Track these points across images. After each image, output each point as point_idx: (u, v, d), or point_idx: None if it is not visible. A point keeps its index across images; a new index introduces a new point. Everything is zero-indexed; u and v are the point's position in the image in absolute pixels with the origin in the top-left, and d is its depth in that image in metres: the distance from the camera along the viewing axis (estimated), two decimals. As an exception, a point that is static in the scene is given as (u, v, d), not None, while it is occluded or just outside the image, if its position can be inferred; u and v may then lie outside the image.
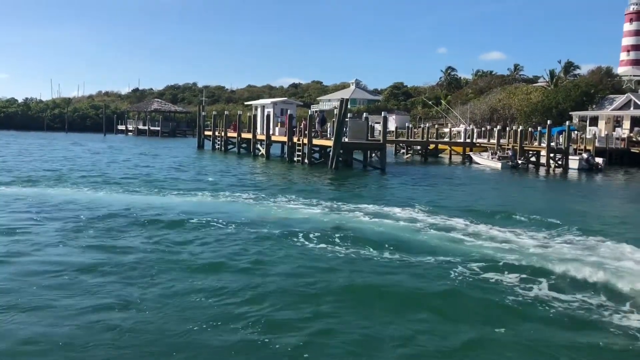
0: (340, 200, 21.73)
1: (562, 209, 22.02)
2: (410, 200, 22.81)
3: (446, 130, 61.05)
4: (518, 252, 13.80)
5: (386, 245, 14.00)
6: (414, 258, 12.87)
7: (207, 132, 58.82)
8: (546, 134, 43.54)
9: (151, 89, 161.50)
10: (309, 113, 38.36)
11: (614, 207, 25.02)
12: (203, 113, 58.96)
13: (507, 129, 56.39)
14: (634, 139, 56.31)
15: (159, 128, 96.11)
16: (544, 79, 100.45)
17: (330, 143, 36.59)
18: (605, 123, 66.28)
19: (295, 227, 16.00)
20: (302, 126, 41.70)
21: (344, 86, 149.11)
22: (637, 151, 53.57)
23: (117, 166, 35.26)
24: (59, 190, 22.75)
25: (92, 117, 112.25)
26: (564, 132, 44.69)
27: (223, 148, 53.36)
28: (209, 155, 50.11)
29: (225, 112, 54.93)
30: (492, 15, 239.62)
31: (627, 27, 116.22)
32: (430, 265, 12.40)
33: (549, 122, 45.27)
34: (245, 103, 70.75)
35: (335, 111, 34.66)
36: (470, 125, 59.93)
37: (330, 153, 35.51)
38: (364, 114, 41.38)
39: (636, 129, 61.28)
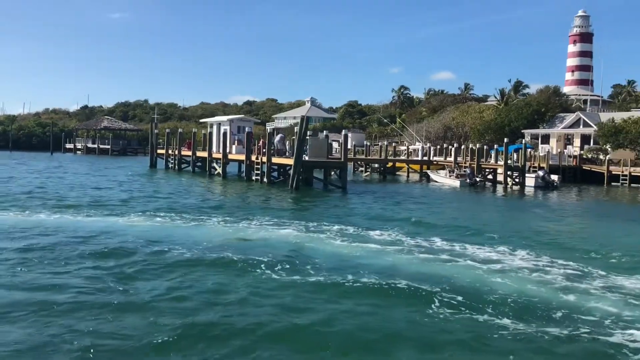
0: (305, 221, 20.95)
1: (531, 228, 21.76)
2: (376, 221, 22.21)
3: (403, 148, 61.20)
4: (505, 273, 13.26)
5: (359, 271, 13.29)
6: (391, 283, 12.13)
7: (160, 151, 57.06)
8: (503, 151, 43.86)
9: (101, 106, 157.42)
10: (268, 131, 37.39)
11: (581, 224, 24.97)
12: (155, 131, 57.21)
13: (462, 147, 56.86)
14: (584, 157, 57.58)
15: (109, 146, 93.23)
16: (495, 97, 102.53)
17: (290, 161, 35.74)
18: (557, 141, 67.74)
19: (258, 252, 15.12)
20: (260, 144, 40.78)
21: (299, 104, 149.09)
22: (589, 168, 54.75)
23: (64, 187, 33.38)
24: None
25: (39, 136, 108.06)
26: (520, 150, 45.16)
27: (177, 167, 51.77)
28: (162, 174, 48.44)
29: (179, 130, 53.46)
30: (442, 36, 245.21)
31: (571, 48, 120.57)
32: (408, 292, 11.67)
33: (505, 140, 45.72)
34: (200, 120, 69.39)
35: (296, 129, 33.84)
36: (427, 144, 60.16)
37: (290, 172, 34.63)
38: (324, 131, 40.74)
39: (586, 146, 62.80)
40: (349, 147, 58.08)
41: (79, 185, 34.64)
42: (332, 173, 41.58)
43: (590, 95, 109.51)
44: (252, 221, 20.80)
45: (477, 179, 43.78)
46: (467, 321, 10.02)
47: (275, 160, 37.37)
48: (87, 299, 10.70)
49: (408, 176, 53.11)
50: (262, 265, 13.58)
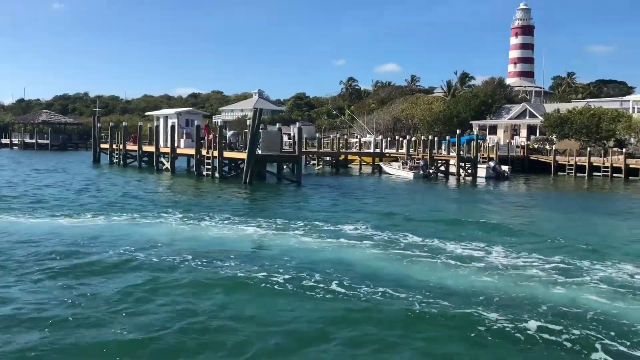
0: (264, 218, 20.04)
1: (494, 219, 21.50)
2: (336, 215, 21.53)
3: (355, 140, 60.73)
4: (488, 269, 12.76)
5: (325, 270, 12.56)
6: (360, 285, 11.41)
7: (103, 145, 54.63)
8: (455, 143, 43.96)
9: (38, 99, 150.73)
10: (219, 124, 36.08)
11: (541, 215, 24.94)
12: (98, 124, 54.73)
13: (413, 138, 56.94)
14: (531, 147, 58.69)
15: (48, 141, 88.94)
16: (442, 89, 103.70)
17: (242, 156, 34.60)
18: (504, 131, 68.94)
19: (218, 251, 14.23)
20: (210, 137, 39.43)
21: (245, 96, 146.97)
22: (536, 158, 55.81)
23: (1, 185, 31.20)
24: None
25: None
26: (472, 141, 45.41)
27: (122, 162, 49.63)
28: (107, 170, 46.26)
29: (124, 123, 51.25)
30: (387, 29, 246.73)
31: (514, 40, 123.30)
32: (371, 293, 10.97)
33: (458, 131, 45.87)
34: (146, 113, 66.88)
35: (249, 122, 32.69)
36: (379, 136, 59.93)
37: (243, 166, 33.50)
38: (277, 124, 39.68)
39: (533, 137, 64.09)
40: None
41: (18, 183, 32.47)
42: (284, 167, 40.69)
43: (532, 86, 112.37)
44: (208, 219, 19.74)
45: (431, 171, 43.76)
46: (407, 310, 9.42)
47: (227, 154, 36.11)
48: (29, 310, 9.52)
49: (361, 169, 52.72)
50: (224, 265, 12.67)
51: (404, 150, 51.85)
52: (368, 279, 12.00)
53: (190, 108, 50.66)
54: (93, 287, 11.22)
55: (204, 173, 37.99)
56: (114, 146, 51.29)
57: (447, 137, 49.70)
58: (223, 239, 16.25)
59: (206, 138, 38.50)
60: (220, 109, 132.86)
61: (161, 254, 14.00)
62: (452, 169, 45.24)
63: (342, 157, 52.60)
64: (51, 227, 17.50)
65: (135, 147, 48.13)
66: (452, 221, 20.82)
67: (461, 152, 45.95)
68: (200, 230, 17.70)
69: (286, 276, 12.06)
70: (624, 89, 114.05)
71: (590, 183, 45.02)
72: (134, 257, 13.55)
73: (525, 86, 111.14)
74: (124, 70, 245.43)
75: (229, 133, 37.92)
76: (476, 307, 10.30)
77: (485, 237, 17.29)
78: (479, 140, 46.09)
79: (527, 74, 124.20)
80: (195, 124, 39.39)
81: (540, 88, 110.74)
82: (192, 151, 40.67)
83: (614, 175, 48.81)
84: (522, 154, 56.83)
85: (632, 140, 54.38)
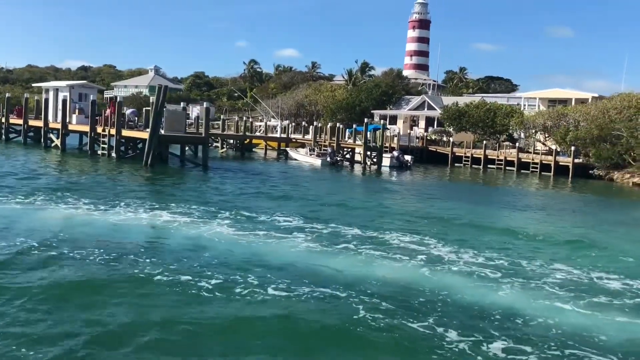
0: (167, 203, 18.63)
1: (408, 208, 21.40)
2: (247, 201, 20.49)
3: (260, 124, 59.36)
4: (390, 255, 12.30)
5: (241, 265, 11.67)
6: (258, 277, 10.63)
7: (-19, 118, 49.43)
8: (363, 131, 44.02)
9: None
10: (118, 99, 33.47)
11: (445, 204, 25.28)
12: (-23, 94, 49.43)
13: (319, 125, 56.65)
14: (429, 138, 60.35)
15: None
16: (343, 77, 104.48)
17: (143, 135, 32.40)
18: (403, 122, 70.42)
19: (114, 241, 12.88)
20: (106, 114, 36.67)
21: (140, 72, 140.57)
22: (434, 150, 57.43)
23: None
24: None
25: None
26: (377, 131, 45.72)
27: (4, 137, 45.15)
28: (-15, 145, 41.91)
29: (6, 94, 46.58)
30: (287, 13, 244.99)
31: (411, 33, 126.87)
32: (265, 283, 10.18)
33: (366, 120, 46.00)
34: (33, 85, 61.40)
35: (152, 99, 30.51)
36: (287, 121, 58.99)
37: (145, 147, 31.34)
38: (182, 103, 37.57)
39: (430, 128, 65.99)
40: (198, 120, 55.18)
41: None
42: (187, 149, 38.75)
43: (427, 79, 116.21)
44: (105, 204, 17.96)
45: (337, 158, 43.59)
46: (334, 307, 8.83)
47: (125, 133, 33.66)
48: None
49: (266, 153, 51.64)
50: (117, 258, 11.37)
51: (310, 137, 51.33)
52: (280, 272, 11.24)
53: (84, 81, 46.89)
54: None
55: (99, 152, 35.28)
56: (-6, 119, 46.54)
57: (354, 126, 49.77)
58: (122, 228, 14.76)
59: (102, 115, 35.68)
60: (112, 84, 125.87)
61: (50, 243, 12.37)
62: (357, 157, 45.33)
63: (247, 140, 51.23)
64: None
65: (20, 121, 43.94)
66: (364, 210, 20.46)
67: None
68: (96, 216, 16.03)
69: (194, 272, 11.03)
70: (509, 86, 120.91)
71: (485, 174, 46.93)
72: (14, 248, 11.82)
73: (420, 79, 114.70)
74: (4, 38, 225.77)
75: (128, 111, 35.40)
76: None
77: (406, 226, 17.04)
78: (384, 130, 46.39)
79: (422, 67, 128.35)
80: (91, 98, 36.39)
81: (434, 81, 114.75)
82: (86, 128, 37.67)
83: (507, 168, 51.24)
84: (420, 145, 58.21)
85: (522, 135, 57.42)
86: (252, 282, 10.53)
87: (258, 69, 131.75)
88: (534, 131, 55.28)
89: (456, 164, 54.21)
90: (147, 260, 11.60)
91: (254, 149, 53.17)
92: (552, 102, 61.36)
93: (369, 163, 43.32)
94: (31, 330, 7.93)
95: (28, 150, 38.06)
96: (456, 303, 10.17)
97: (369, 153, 43.57)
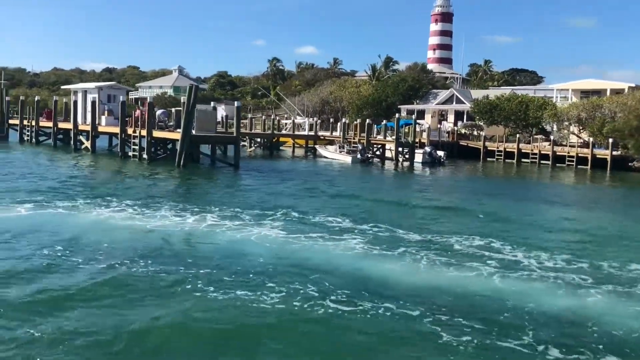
0: (207, 208, 18.04)
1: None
2: (285, 203, 19.85)
3: (287, 121, 58.73)
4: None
5: (268, 268, 10.98)
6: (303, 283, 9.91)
7: (12, 121, 49.67)
8: (393, 127, 43.09)
9: None
10: (149, 100, 33.15)
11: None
12: (7, 98, 49.63)
13: (344, 121, 55.91)
14: (459, 132, 59.15)
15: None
16: (366, 72, 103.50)
17: (174, 136, 32.02)
18: (432, 116, 69.20)
19: (157, 246, 12.34)
20: (136, 115, 36.40)
21: (164, 73, 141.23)
22: (466, 144, 56.25)
23: None
24: None
25: None
26: (409, 126, 44.79)
27: (34, 140, 45.23)
28: (17, 148, 41.93)
29: (36, 98, 46.67)
30: (304, 10, 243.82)
31: (433, 27, 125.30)
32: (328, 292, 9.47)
33: (397, 115, 45.10)
34: (62, 87, 61.58)
35: (183, 99, 30.07)
36: (314, 118, 58.27)
37: (177, 148, 30.94)
38: (212, 102, 37.15)
39: (460, 122, 64.72)
40: (226, 120, 54.79)
41: None
42: (217, 148, 38.37)
43: (451, 73, 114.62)
44: (143, 208, 17.50)
45: (368, 155, 42.74)
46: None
47: (156, 134, 33.29)
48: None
49: (294, 151, 51.01)
50: (167, 266, 10.79)
51: (338, 134, 50.57)
52: (338, 279, 10.53)
53: (112, 82, 46.82)
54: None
55: (130, 154, 35.00)
56: (25, 122, 46.65)
57: (384, 121, 48.86)
58: (164, 233, 14.25)
59: (132, 116, 35.38)
60: (137, 85, 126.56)
61: (94, 251, 11.91)
62: (388, 154, 44.45)
63: (275, 139, 50.63)
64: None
65: (50, 124, 43.99)
66: (411, 211, 19.69)
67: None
68: (136, 221, 15.55)
69: (246, 279, 10.44)
70: (535, 78, 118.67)
71: (520, 169, 45.72)
72: (57, 255, 11.36)
73: (445, 72, 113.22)
74: (31, 42, 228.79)
75: (158, 111, 35.05)
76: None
77: (461, 227, 16.23)
78: (415, 126, 45.36)
79: (446, 61, 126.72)
80: (120, 99, 36.11)
81: (459, 75, 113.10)
82: (115, 129, 37.49)
83: (542, 161, 49.91)
84: (451, 140, 57.04)
85: (554, 127, 55.95)
86: (311, 292, 9.87)
87: (280, 67, 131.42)
88: (567, 123, 53.83)
89: (488, 159, 52.98)
90: (200, 268, 11.03)
91: (281, 147, 52.57)
92: (585, 93, 59.71)
93: (400, 159, 42.38)
94: (99, 329, 7.43)
95: (59, 153, 37.98)
96: (546, 314, 9.31)
97: (400, 149, 42.61)
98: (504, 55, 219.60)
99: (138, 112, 37.11)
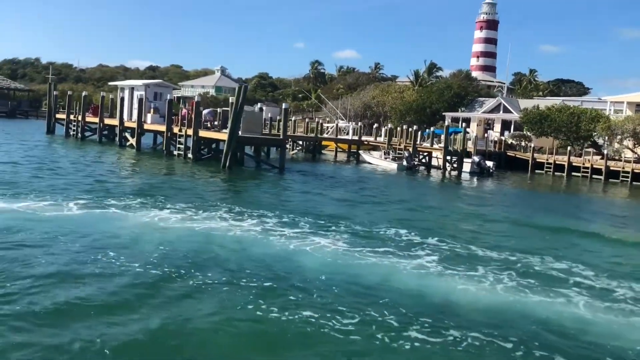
0: (257, 212, 17.30)
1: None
2: (339, 211, 18.97)
3: (329, 125, 57.90)
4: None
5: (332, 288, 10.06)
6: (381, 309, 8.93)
7: (59, 115, 50.19)
8: (443, 135, 41.86)
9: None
10: (196, 99, 32.81)
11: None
12: (55, 92, 50.14)
13: (390, 126, 54.84)
14: (508, 142, 57.41)
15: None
16: (408, 78, 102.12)
17: (220, 136, 31.54)
18: (477, 125, 67.51)
19: (203, 253, 11.68)
20: (183, 113, 36.19)
21: (206, 72, 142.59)
22: (513, 155, 54.50)
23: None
24: None
25: None
26: (458, 134, 43.49)
27: (80, 135, 45.51)
28: (63, 143, 42.20)
29: (84, 93, 46.97)
30: (347, 15, 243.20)
31: (478, 34, 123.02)
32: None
33: (446, 123, 43.90)
34: (109, 83, 62.13)
35: (231, 99, 29.55)
36: (358, 122, 57.34)
37: (223, 148, 30.43)
38: (258, 103, 36.63)
39: (506, 132, 62.90)
40: (270, 121, 54.33)
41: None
42: (262, 150, 37.80)
43: (496, 81, 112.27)
44: (192, 209, 16.93)
45: (415, 163, 41.59)
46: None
47: (203, 133, 32.88)
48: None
49: (336, 155, 50.19)
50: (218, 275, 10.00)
51: (382, 139, 49.55)
52: (419, 307, 9.57)
53: (159, 80, 46.76)
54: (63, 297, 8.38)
55: (175, 153, 34.71)
56: (72, 117, 47.00)
57: (431, 128, 47.64)
58: (216, 238, 13.63)
59: (179, 115, 35.13)
60: (180, 83, 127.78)
61: (145, 254, 11.31)
62: (434, 162, 43.24)
63: (317, 142, 49.90)
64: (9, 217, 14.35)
65: (95, 119, 44.17)
66: (479, 225, 18.59)
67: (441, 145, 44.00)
68: (186, 223, 14.94)
69: (307, 300, 9.55)
70: (581, 89, 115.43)
71: (571, 183, 43.92)
72: (108, 259, 10.74)
73: (490, 81, 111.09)
74: (78, 38, 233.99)
75: (205, 111, 34.67)
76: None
77: (541, 247, 15.07)
78: (458, 133, 44.01)
79: (489, 69, 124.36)
80: (168, 97, 35.88)
81: (503, 83, 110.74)
82: (160, 127, 37.31)
83: (593, 176, 47.94)
84: (497, 149, 55.34)
85: (606, 141, 53.76)
86: (389, 320, 8.91)
87: (322, 70, 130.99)
88: (620, 137, 51.65)
89: (537, 171, 51.20)
90: (255, 278, 10.27)
91: (323, 151, 51.83)
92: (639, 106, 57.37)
93: (448, 168, 41.07)
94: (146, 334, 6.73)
95: (104, 149, 37.96)
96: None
97: (448, 158, 41.31)
98: (550, 64, 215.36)
99: (185, 111, 36.89)
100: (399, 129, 49.45)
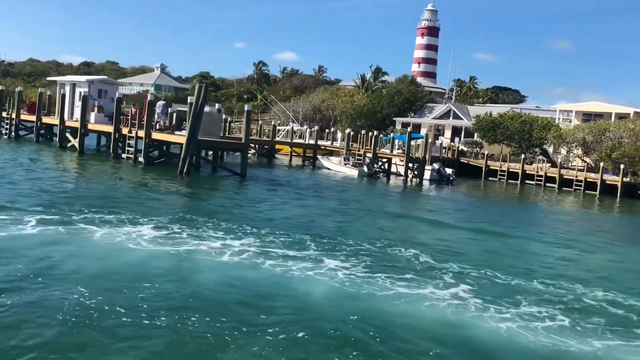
0: (224, 227, 15.37)
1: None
2: (323, 226, 17.19)
3: (284, 128, 55.80)
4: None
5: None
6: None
7: (-12, 113, 45.86)
8: (406, 141, 40.77)
9: None
10: (149, 98, 30.10)
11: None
12: (-18, 87, 45.80)
13: (348, 131, 53.50)
14: (460, 149, 57.22)
15: None
16: (355, 81, 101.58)
17: (176, 139, 29.11)
18: (428, 131, 67.29)
19: (171, 283, 9.49)
20: (133, 112, 33.46)
21: (143, 70, 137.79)
22: (466, 162, 54.29)
23: None
24: None
25: None
26: (419, 140, 42.57)
27: (13, 134, 41.60)
28: (-5, 143, 38.35)
29: (18, 88, 43.03)
30: (284, 16, 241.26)
31: (419, 40, 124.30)
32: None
33: (409, 129, 42.90)
34: (48, 78, 57.70)
35: (189, 100, 27.10)
36: (311, 125, 55.57)
37: (175, 151, 28.02)
38: (217, 104, 34.30)
39: (457, 139, 62.88)
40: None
41: None
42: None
43: (437, 87, 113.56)
44: (154, 225, 14.71)
45: (376, 169, 40.28)
46: None
47: (156, 136, 30.28)
48: None
49: (291, 160, 48.28)
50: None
51: (339, 144, 48.08)
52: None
53: (105, 77, 43.42)
54: None
55: (124, 156, 31.89)
56: (4, 114, 42.92)
57: (391, 134, 46.54)
58: (184, 261, 11.63)
59: (136, 116, 32.31)
60: (117, 81, 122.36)
61: (94, 284, 9.14)
62: (394, 169, 42.14)
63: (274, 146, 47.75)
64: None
65: (32, 118, 40.49)
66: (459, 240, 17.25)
67: (400, 151, 43.09)
68: (149, 244, 12.80)
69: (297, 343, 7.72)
70: (517, 97, 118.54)
71: (526, 191, 43.87)
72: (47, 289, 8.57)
73: (433, 87, 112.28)
74: (3, 30, 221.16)
75: (158, 104, 31.99)
76: None
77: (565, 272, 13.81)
78: (420, 140, 43.09)
79: (430, 75, 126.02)
80: (117, 95, 32.95)
81: (444, 89, 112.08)
82: (107, 128, 34.34)
83: (547, 184, 48.23)
84: (449, 156, 54.96)
85: (555, 149, 54.43)
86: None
87: (266, 71, 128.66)
88: (572, 146, 52.36)
89: (490, 178, 51.13)
90: (245, 321, 8.36)
91: (276, 155, 49.85)
92: (587, 115, 58.55)
93: (411, 175, 39.98)
94: None
95: (43, 151, 34.61)
96: None
97: (410, 165, 40.23)
98: (485, 72, 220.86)
99: (135, 110, 34.13)
100: (353, 133, 48.04)
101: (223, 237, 14.07)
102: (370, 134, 44.20)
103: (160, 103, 33.21)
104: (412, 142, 44.77)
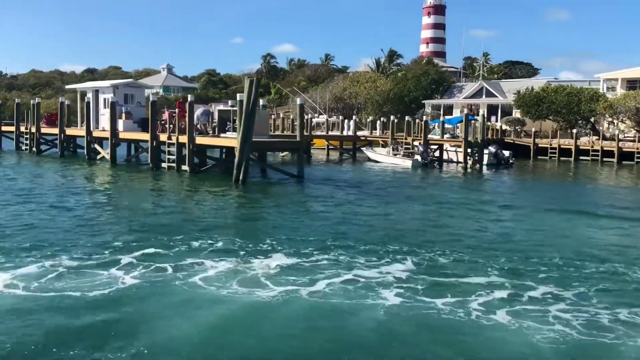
0: (316, 250, 12.16)
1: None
2: (432, 242, 14.02)
3: (320, 120, 52.27)
4: None
5: None
6: None
7: (5, 127, 42.91)
8: (462, 125, 37.45)
9: None
10: (189, 99, 26.94)
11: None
12: (-2, 101, 42.85)
13: (383, 119, 50.19)
14: (503, 129, 53.90)
15: None
16: (369, 67, 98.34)
17: (227, 143, 25.96)
18: (460, 111, 63.86)
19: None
20: (165, 117, 30.45)
21: (148, 72, 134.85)
22: (512, 141, 50.89)
23: None
24: None
25: None
26: (472, 122, 39.26)
27: (35, 149, 38.58)
28: (15, 159, 35.26)
29: (36, 100, 39.91)
30: (279, 8, 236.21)
31: (426, 20, 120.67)
32: None
33: (465, 111, 39.58)
34: (67, 87, 54.50)
35: (237, 100, 23.84)
36: (354, 117, 52.16)
37: (218, 156, 24.88)
38: (261, 101, 31.02)
39: (493, 117, 59.48)
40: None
41: None
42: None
43: (450, 66, 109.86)
44: (240, 255, 11.56)
45: (430, 158, 37.00)
46: None
47: (201, 140, 27.12)
48: None
49: (328, 154, 45.05)
50: None
51: (378, 133, 44.83)
52: None
53: (129, 80, 40.18)
54: None
55: (164, 165, 28.80)
56: (22, 128, 39.90)
57: (441, 118, 43.18)
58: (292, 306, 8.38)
59: (167, 119, 29.22)
60: (143, 83, 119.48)
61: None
62: (446, 155, 38.89)
63: (311, 140, 44.47)
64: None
65: (54, 130, 37.47)
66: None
67: (448, 135, 39.84)
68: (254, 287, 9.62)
69: None
70: (531, 70, 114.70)
71: (584, 168, 40.59)
72: None
73: (450, 66, 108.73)
74: (3, 44, 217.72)
75: (197, 111, 28.89)
76: None
77: None
78: (470, 121, 39.66)
79: (440, 54, 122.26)
80: (151, 98, 29.84)
81: (456, 68, 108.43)
82: (139, 135, 31.35)
83: (604, 159, 44.88)
84: (491, 136, 51.51)
85: (607, 122, 51.00)
86: None
87: (274, 64, 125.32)
88: (625, 116, 48.90)
89: (539, 157, 47.77)
90: None
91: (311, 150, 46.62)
92: (631, 82, 54.94)
93: (470, 161, 36.61)
94: None
95: (72, 166, 31.53)
96: None
97: (470, 150, 36.79)
98: (489, 49, 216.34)
99: (167, 113, 31.03)
100: (385, 120, 44.70)
101: (362, 262, 10.96)
102: (418, 120, 40.84)
103: (201, 109, 30.04)
104: (458, 125, 41.58)
